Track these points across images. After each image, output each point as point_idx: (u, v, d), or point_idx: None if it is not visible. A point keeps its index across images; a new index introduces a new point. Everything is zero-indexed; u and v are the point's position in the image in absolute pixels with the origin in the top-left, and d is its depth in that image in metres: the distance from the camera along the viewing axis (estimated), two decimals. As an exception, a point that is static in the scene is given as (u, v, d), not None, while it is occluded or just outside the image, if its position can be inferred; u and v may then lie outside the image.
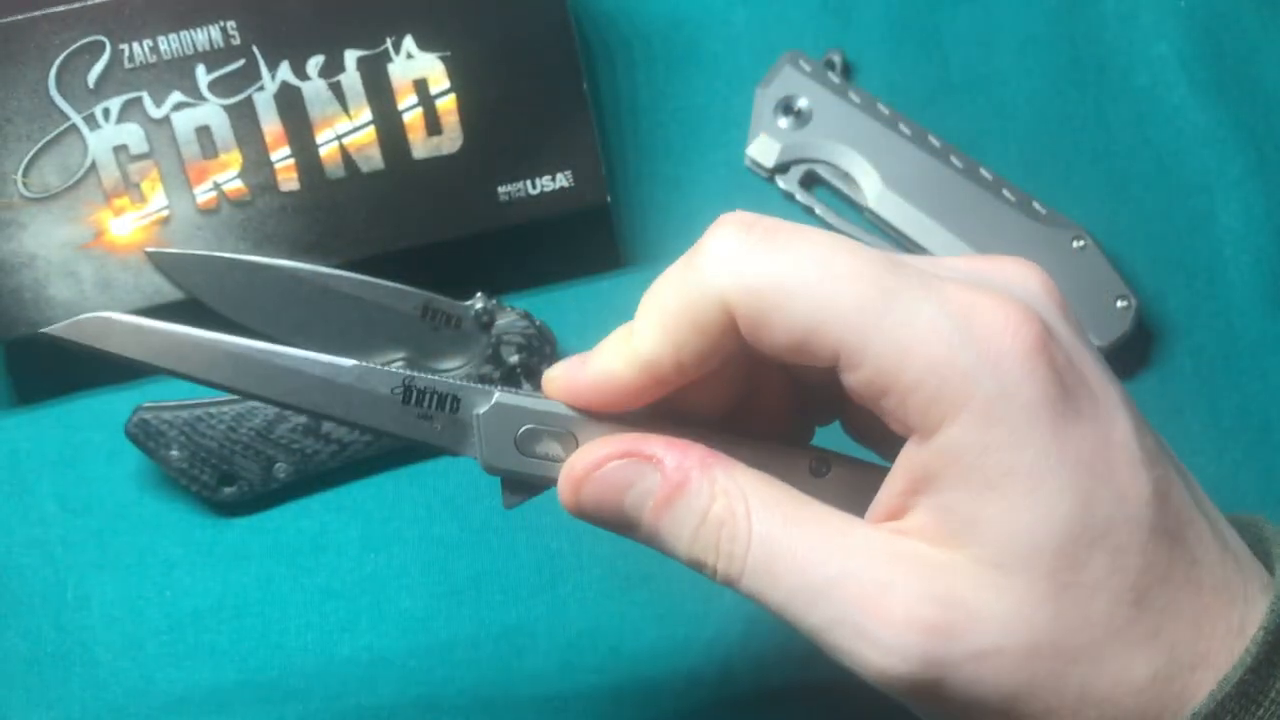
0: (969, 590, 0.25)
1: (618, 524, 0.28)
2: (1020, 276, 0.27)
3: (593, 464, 0.28)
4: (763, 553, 0.26)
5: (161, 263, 0.43)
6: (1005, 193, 0.47)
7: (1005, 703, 0.25)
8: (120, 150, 0.42)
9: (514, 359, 0.44)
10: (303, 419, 0.44)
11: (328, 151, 0.43)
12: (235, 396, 0.43)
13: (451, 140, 0.44)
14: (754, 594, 0.26)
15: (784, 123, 0.48)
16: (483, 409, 0.28)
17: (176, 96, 0.42)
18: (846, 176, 0.48)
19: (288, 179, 0.43)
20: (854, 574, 0.25)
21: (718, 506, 0.26)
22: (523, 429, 0.28)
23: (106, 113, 0.42)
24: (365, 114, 0.43)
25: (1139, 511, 0.25)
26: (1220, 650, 0.25)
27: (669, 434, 0.28)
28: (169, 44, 0.42)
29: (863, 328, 0.25)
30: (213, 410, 0.43)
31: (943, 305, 0.25)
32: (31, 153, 0.42)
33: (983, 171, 0.47)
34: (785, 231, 0.26)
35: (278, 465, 0.44)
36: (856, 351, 0.25)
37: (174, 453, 0.43)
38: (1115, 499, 0.25)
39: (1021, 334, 0.25)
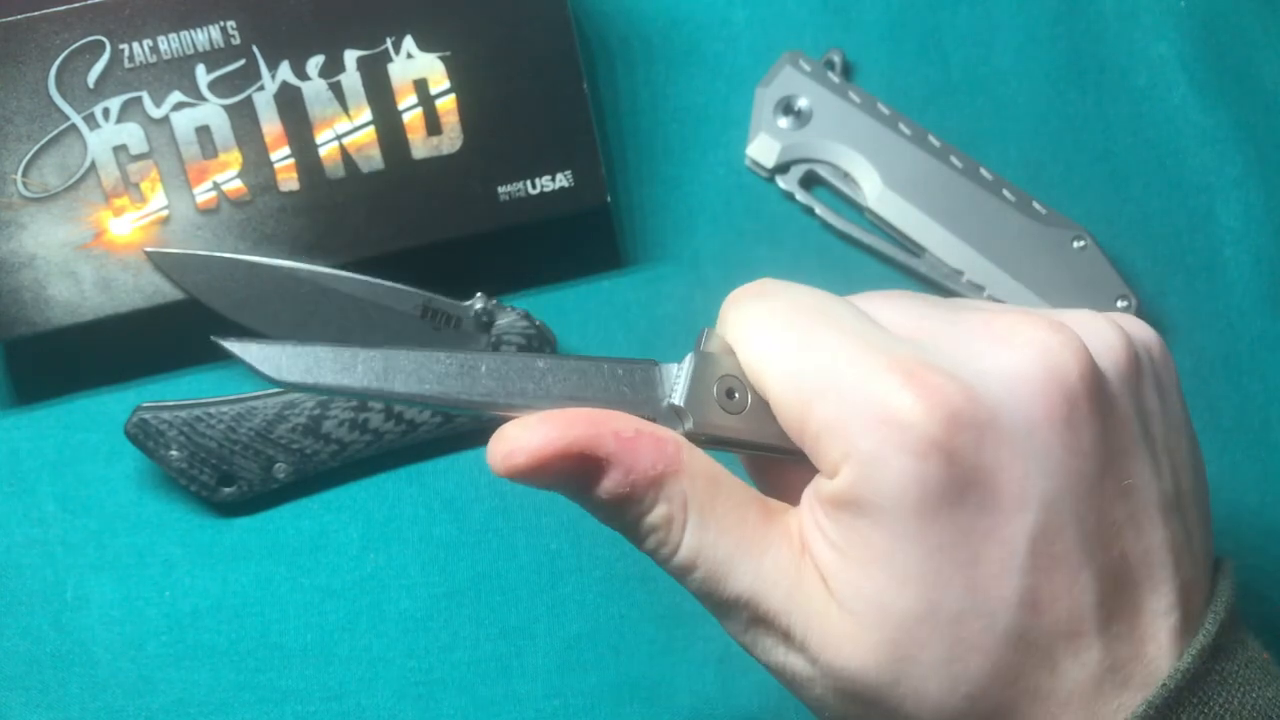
0: (830, 634, 0.27)
1: (551, 490, 0.28)
2: (1053, 344, 0.27)
3: (542, 448, 0.26)
4: (685, 561, 0.27)
5: (161, 263, 0.43)
6: (1005, 193, 0.47)
7: None
8: (120, 150, 0.42)
9: (514, 359, 0.44)
10: (302, 419, 0.44)
11: (327, 151, 0.43)
12: (239, 395, 0.44)
13: (451, 140, 0.44)
14: (671, 575, 0.28)
15: (784, 123, 0.48)
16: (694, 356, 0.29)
17: (176, 96, 0.42)
18: (846, 176, 0.48)
19: (288, 179, 0.43)
20: (755, 597, 0.27)
21: (656, 514, 0.27)
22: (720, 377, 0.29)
23: (106, 112, 0.42)
24: (365, 114, 0.43)
25: (994, 612, 0.26)
26: None
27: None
28: (169, 44, 0.42)
29: (782, 376, 0.27)
30: (212, 410, 0.43)
31: (863, 371, 0.26)
32: (31, 153, 0.42)
33: (983, 171, 0.47)
34: (777, 294, 0.29)
35: (277, 465, 0.44)
36: (776, 397, 0.28)
37: (173, 453, 0.43)
38: (970, 592, 0.26)
39: (919, 419, 0.25)
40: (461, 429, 0.45)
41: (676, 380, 0.28)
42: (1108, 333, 0.28)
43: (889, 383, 0.26)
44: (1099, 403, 0.26)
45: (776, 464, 0.30)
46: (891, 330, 0.28)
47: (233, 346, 0.26)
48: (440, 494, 0.46)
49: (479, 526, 0.45)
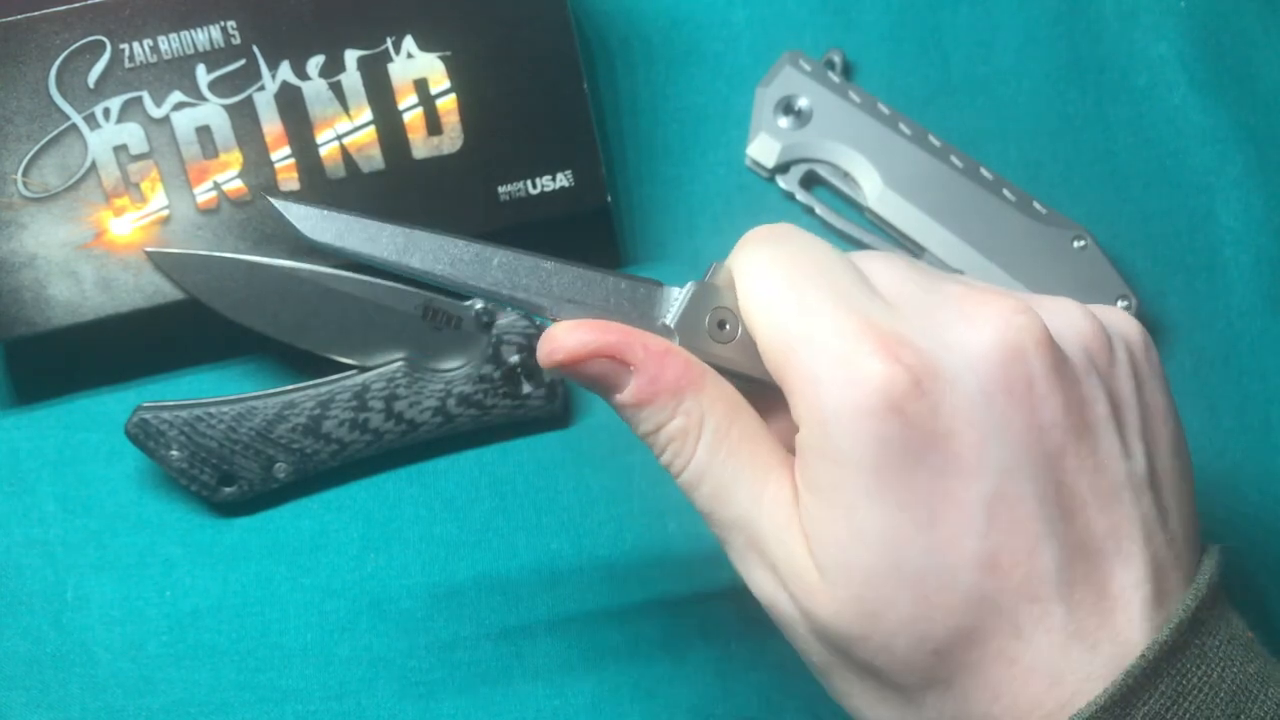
0: (805, 584, 0.28)
1: (585, 387, 0.31)
2: (1014, 323, 0.28)
3: (578, 349, 0.29)
4: (695, 475, 0.30)
5: (161, 262, 0.43)
6: (1005, 192, 0.47)
7: (819, 674, 0.30)
8: (120, 150, 0.42)
9: (514, 359, 0.44)
10: (303, 419, 0.44)
11: (328, 151, 0.43)
12: (239, 395, 0.44)
13: (451, 140, 0.44)
14: (683, 491, 0.31)
15: (784, 122, 0.48)
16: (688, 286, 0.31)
17: (177, 96, 0.42)
18: (847, 176, 0.48)
19: (288, 179, 0.43)
20: (751, 523, 0.29)
21: (674, 425, 0.30)
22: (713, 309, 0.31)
23: (107, 112, 0.42)
24: (365, 114, 0.43)
25: (954, 571, 0.27)
26: None
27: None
28: (169, 44, 0.42)
29: (769, 321, 0.29)
30: (212, 410, 0.43)
31: (840, 331, 0.28)
32: (31, 153, 0.42)
33: (983, 171, 0.47)
34: (789, 239, 0.31)
35: (277, 465, 0.44)
36: (762, 339, 0.29)
37: (174, 453, 0.43)
38: (929, 550, 0.27)
39: (882, 384, 0.27)
40: (461, 429, 0.45)
41: (674, 303, 0.31)
42: (1077, 317, 0.29)
43: (860, 347, 0.27)
44: (1057, 379, 0.28)
45: (765, 398, 0.31)
46: (879, 293, 0.29)
47: (276, 203, 0.30)
48: (440, 494, 0.46)
49: (479, 526, 0.45)
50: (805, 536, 0.28)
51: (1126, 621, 0.27)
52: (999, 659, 0.27)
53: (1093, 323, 0.29)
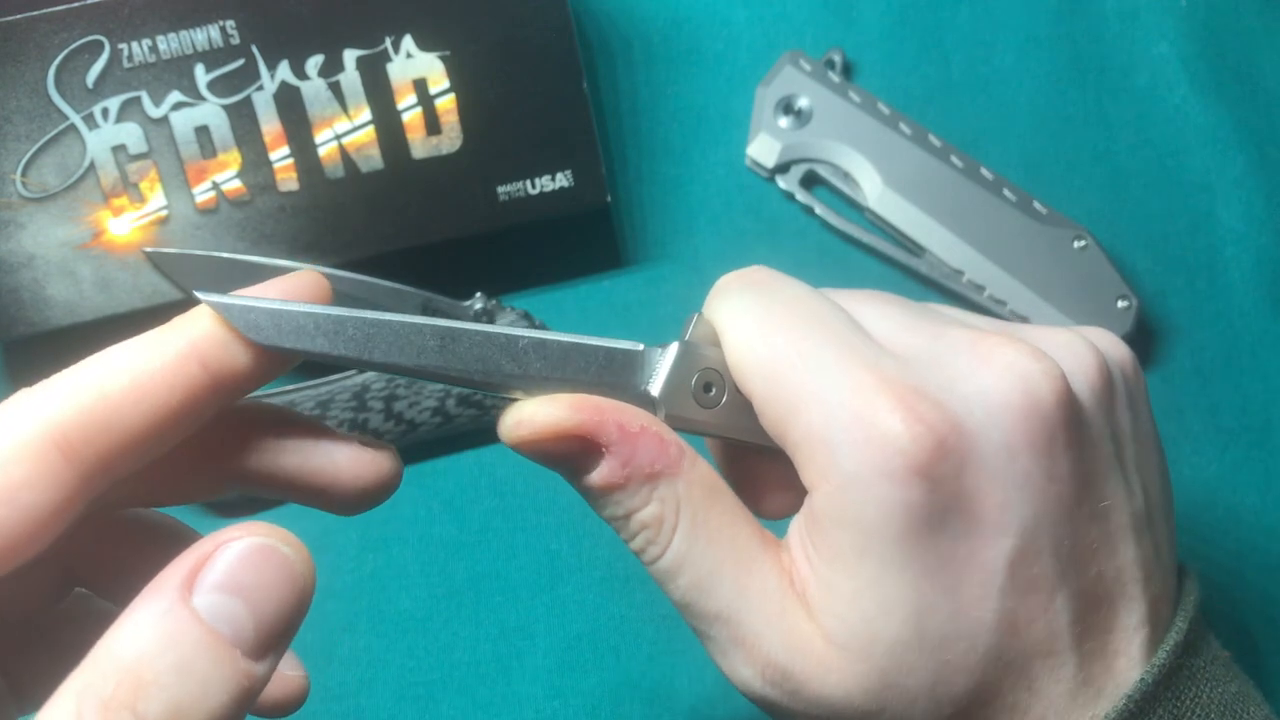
0: (814, 666, 0.27)
1: (547, 466, 0.28)
2: (1033, 371, 0.27)
3: (548, 427, 0.27)
4: (671, 565, 0.27)
5: (160, 263, 0.43)
6: (1006, 192, 0.47)
7: None
8: (119, 150, 0.42)
9: (514, 359, 0.44)
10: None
11: (327, 151, 0.43)
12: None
13: (451, 140, 0.44)
14: (657, 580, 0.28)
15: (784, 122, 0.48)
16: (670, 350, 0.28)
17: (175, 96, 0.42)
18: (847, 176, 0.48)
19: (287, 179, 0.43)
20: (736, 615, 0.27)
21: (647, 512, 0.27)
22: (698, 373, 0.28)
23: (105, 112, 0.42)
24: (364, 114, 0.43)
25: (975, 635, 0.26)
26: None
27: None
28: (168, 44, 0.42)
29: (768, 380, 0.27)
30: (212, 410, 0.43)
31: (852, 388, 0.26)
32: (30, 152, 0.42)
33: (983, 171, 0.47)
34: (779, 290, 0.28)
35: (277, 465, 0.44)
36: (760, 399, 0.27)
37: (173, 453, 0.43)
38: (952, 616, 0.26)
39: (905, 445, 0.25)
40: (461, 429, 0.45)
41: (657, 368, 0.28)
42: (1084, 355, 0.28)
43: (879, 405, 0.26)
44: (1075, 429, 0.27)
45: (746, 456, 0.30)
46: (880, 342, 0.28)
47: (209, 299, 0.24)
48: (440, 494, 0.46)
49: (479, 527, 0.45)
50: (814, 613, 0.27)
51: (1128, 664, 0.27)
52: (1012, 711, 0.27)
53: (1097, 358, 0.28)
